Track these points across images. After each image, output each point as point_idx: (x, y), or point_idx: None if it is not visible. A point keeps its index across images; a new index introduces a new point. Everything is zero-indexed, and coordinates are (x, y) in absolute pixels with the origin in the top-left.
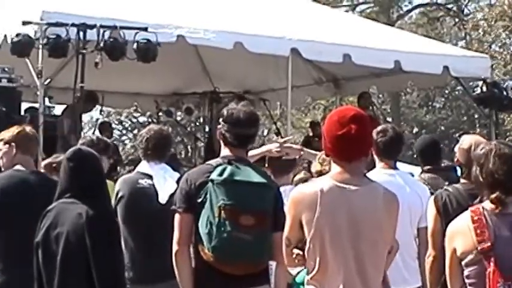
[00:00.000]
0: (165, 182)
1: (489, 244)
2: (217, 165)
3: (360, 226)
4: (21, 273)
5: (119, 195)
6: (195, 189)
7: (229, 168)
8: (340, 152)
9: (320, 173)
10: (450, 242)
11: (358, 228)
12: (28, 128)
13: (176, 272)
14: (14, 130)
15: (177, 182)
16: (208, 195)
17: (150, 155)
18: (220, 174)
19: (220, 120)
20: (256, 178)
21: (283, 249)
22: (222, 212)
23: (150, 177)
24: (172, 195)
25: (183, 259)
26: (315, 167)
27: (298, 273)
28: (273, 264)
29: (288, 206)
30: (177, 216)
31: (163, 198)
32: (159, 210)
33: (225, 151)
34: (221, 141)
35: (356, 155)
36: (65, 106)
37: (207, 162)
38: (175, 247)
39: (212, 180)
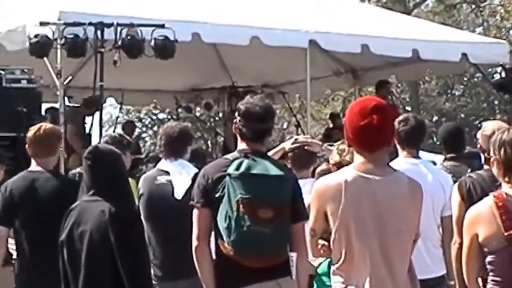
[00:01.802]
0: (181, 177)
1: None
2: (234, 159)
3: (385, 216)
4: (40, 271)
5: (140, 193)
6: (213, 184)
7: (246, 162)
8: (362, 142)
9: (339, 164)
10: (471, 227)
11: (383, 218)
12: (44, 126)
13: (197, 267)
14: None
15: (194, 177)
16: (226, 190)
17: (165, 151)
18: (237, 168)
19: (236, 114)
20: (274, 171)
21: (304, 240)
22: (241, 206)
23: (168, 173)
24: (188, 191)
25: (203, 254)
26: (333, 157)
27: (320, 264)
28: (293, 255)
29: (312, 198)
30: (195, 212)
31: (179, 194)
32: (175, 206)
33: (241, 145)
34: (238, 136)
35: (378, 145)
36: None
37: (224, 157)
38: (194, 242)
39: (229, 175)
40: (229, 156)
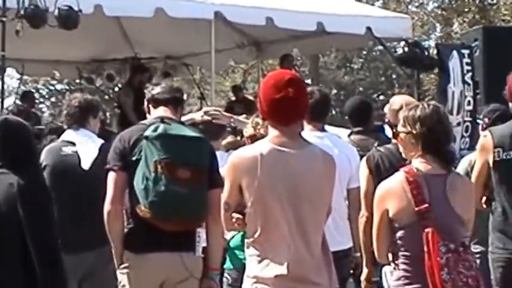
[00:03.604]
0: (87, 147)
1: (427, 205)
2: (151, 124)
3: (300, 188)
4: None
5: (43, 165)
6: (129, 148)
7: (162, 126)
8: (277, 115)
9: (253, 137)
10: (381, 202)
11: (299, 191)
12: None
13: (108, 231)
14: None
15: (101, 147)
16: (143, 152)
17: (67, 120)
18: (155, 130)
19: (148, 92)
20: (191, 133)
21: (220, 207)
22: (159, 166)
23: (74, 144)
24: (95, 161)
25: (117, 217)
26: (248, 131)
27: (233, 237)
28: (201, 231)
29: (226, 171)
30: (111, 175)
31: (86, 164)
32: (82, 176)
33: (156, 113)
34: (151, 106)
35: (293, 118)
36: None
37: (140, 122)
38: (108, 206)
39: (146, 137)
40: (146, 121)
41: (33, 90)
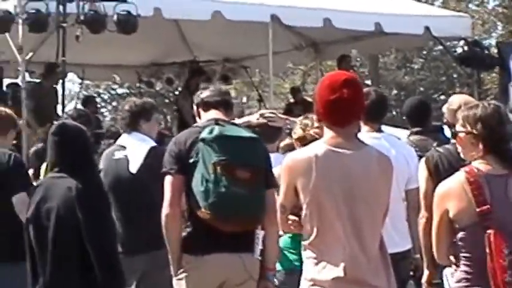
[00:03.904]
0: (136, 151)
1: (488, 206)
2: (205, 126)
3: (356, 190)
4: None
5: (100, 169)
6: (186, 151)
7: (217, 127)
8: (333, 116)
9: (303, 139)
10: (441, 203)
11: (354, 192)
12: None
13: (165, 235)
14: None
15: (149, 151)
16: (200, 154)
17: (123, 126)
18: (210, 133)
19: (196, 97)
20: (247, 133)
21: (275, 208)
22: (218, 168)
23: (125, 148)
24: (142, 165)
25: (174, 220)
26: (297, 132)
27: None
28: (260, 232)
29: (281, 173)
30: (168, 178)
31: (133, 168)
32: (130, 180)
33: (208, 115)
34: (201, 110)
35: (349, 119)
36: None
37: (194, 125)
38: (166, 209)
39: (203, 139)
40: (199, 124)
41: (95, 95)
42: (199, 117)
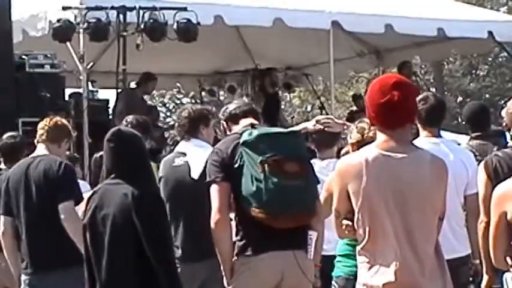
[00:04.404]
0: (197, 157)
1: None
2: (243, 132)
3: (407, 194)
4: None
5: (159, 176)
6: (228, 157)
7: (256, 130)
8: (384, 120)
9: (362, 142)
10: (500, 205)
11: (406, 197)
12: (55, 118)
13: (216, 241)
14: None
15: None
16: (244, 158)
17: (181, 132)
18: (250, 135)
19: (223, 112)
20: (286, 129)
21: (320, 203)
22: (265, 165)
23: (185, 155)
24: (204, 170)
25: (225, 227)
26: (354, 137)
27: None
28: (313, 234)
29: (334, 178)
30: (214, 187)
31: (195, 174)
32: (192, 186)
33: (243, 122)
34: (231, 123)
35: (400, 121)
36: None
37: (232, 132)
38: (216, 216)
39: (244, 142)
40: (237, 130)
41: (160, 105)
42: (230, 131)
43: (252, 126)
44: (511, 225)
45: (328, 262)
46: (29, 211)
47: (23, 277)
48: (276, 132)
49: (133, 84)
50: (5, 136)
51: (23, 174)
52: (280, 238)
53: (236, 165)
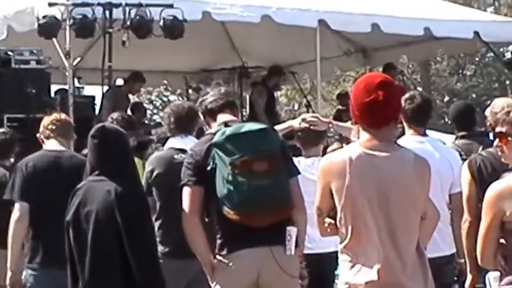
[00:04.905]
0: None
1: None
2: (217, 131)
3: (390, 193)
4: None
5: (155, 173)
6: (202, 160)
7: (228, 129)
8: (368, 118)
9: None
10: (495, 203)
11: (389, 195)
12: (62, 115)
13: (190, 243)
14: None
15: None
16: (217, 159)
17: (177, 129)
18: (222, 135)
19: (200, 105)
20: (256, 126)
21: (301, 194)
22: (234, 167)
23: (183, 151)
24: None
25: (195, 230)
26: None
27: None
28: (291, 229)
29: (317, 176)
30: (186, 190)
31: None
32: None
33: (220, 118)
34: (209, 118)
35: (385, 121)
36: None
37: (207, 133)
38: (185, 220)
39: (215, 144)
40: (211, 130)
41: (147, 102)
42: (210, 126)
43: (226, 124)
44: (504, 225)
45: (316, 261)
46: (56, 203)
47: (30, 272)
48: (245, 132)
49: (120, 81)
50: None
51: (52, 166)
52: (257, 235)
53: (209, 168)
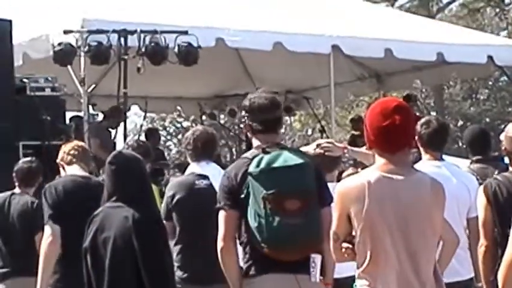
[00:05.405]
0: None
1: None
2: (254, 157)
3: (409, 216)
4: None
5: (177, 198)
6: (237, 185)
7: (265, 158)
8: (384, 143)
9: None
10: None
11: (407, 219)
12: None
13: (223, 267)
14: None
15: None
16: (250, 189)
17: (200, 155)
18: (257, 165)
19: (243, 113)
20: (293, 160)
21: (330, 224)
22: (267, 202)
23: (205, 177)
24: None
25: (230, 254)
26: None
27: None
28: (316, 257)
29: (334, 201)
30: (222, 213)
31: None
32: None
33: (256, 142)
34: (250, 134)
35: (400, 145)
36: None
37: (243, 156)
38: (220, 243)
39: (250, 173)
40: (248, 154)
41: (161, 128)
42: (247, 135)
43: (264, 150)
44: None
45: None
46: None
47: None
48: (282, 167)
49: (135, 108)
50: (21, 161)
51: (82, 190)
52: (283, 262)
53: (243, 195)
